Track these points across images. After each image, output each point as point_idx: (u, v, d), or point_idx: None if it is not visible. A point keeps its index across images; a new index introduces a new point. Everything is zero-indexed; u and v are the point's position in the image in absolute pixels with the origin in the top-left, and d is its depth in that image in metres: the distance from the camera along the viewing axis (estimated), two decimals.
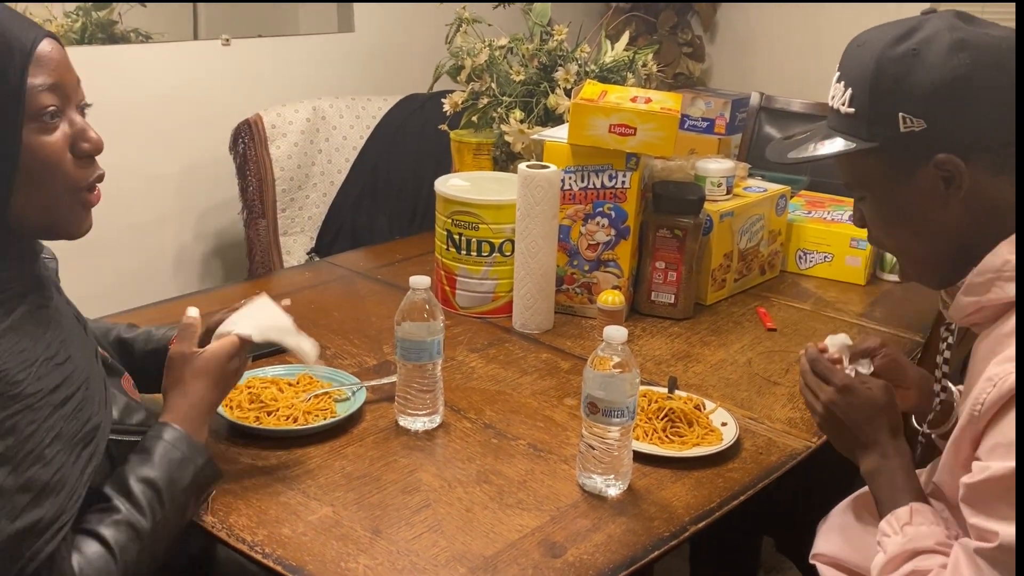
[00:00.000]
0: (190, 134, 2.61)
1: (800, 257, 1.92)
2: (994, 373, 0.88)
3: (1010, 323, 0.92)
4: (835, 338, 1.18)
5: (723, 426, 1.29)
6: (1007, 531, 0.84)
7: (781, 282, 1.89)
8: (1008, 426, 0.86)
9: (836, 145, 1.01)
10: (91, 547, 0.91)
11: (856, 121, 0.99)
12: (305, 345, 1.15)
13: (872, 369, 1.17)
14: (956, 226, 0.97)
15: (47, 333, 0.93)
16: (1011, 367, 0.87)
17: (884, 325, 1.68)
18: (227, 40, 2.66)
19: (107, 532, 0.93)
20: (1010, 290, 0.92)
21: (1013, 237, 0.93)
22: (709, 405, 1.33)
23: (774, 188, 1.87)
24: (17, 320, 0.89)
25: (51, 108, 0.91)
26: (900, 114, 0.95)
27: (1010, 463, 0.84)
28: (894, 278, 1.89)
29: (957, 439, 0.95)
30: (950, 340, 1.09)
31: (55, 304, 0.98)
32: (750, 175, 1.96)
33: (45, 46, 0.91)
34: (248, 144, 2.46)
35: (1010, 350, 0.89)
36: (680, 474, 1.20)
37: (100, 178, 0.98)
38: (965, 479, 0.90)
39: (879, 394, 1.10)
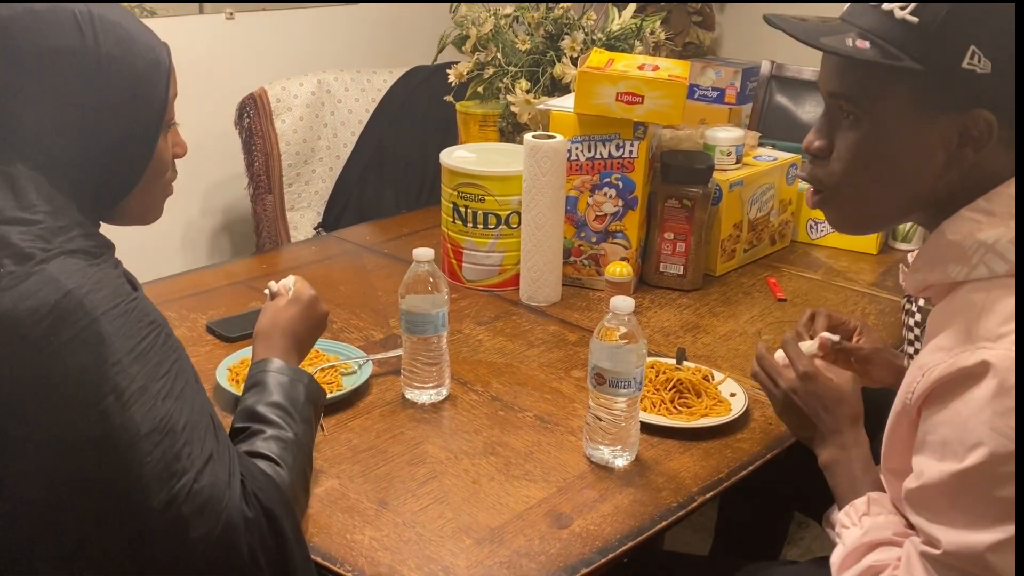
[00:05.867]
0: (195, 109, 2.57)
1: (811, 227, 1.90)
2: (924, 362, 0.85)
3: (956, 302, 0.86)
4: (805, 344, 1.14)
5: (732, 396, 1.28)
6: (949, 538, 0.82)
7: (791, 252, 1.87)
8: (933, 424, 0.83)
9: (877, 52, 0.85)
10: (255, 464, 0.93)
11: (912, 34, 0.83)
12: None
13: (816, 349, 1.13)
14: (933, 185, 0.87)
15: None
16: (941, 356, 0.83)
17: (895, 294, 1.66)
18: (231, 14, 2.64)
19: (262, 447, 0.96)
20: (953, 271, 0.86)
21: (957, 216, 0.86)
22: (718, 376, 1.32)
23: (784, 157, 1.84)
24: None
25: (174, 117, 0.99)
26: (972, 47, 0.81)
27: (941, 466, 0.82)
28: (906, 247, 1.87)
29: (893, 424, 0.91)
30: (917, 316, 1.03)
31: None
32: (760, 144, 1.93)
33: (171, 58, 0.97)
34: (253, 119, 2.44)
35: (942, 338, 0.84)
36: (688, 445, 1.19)
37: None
38: (906, 483, 0.87)
39: (842, 383, 1.06)
